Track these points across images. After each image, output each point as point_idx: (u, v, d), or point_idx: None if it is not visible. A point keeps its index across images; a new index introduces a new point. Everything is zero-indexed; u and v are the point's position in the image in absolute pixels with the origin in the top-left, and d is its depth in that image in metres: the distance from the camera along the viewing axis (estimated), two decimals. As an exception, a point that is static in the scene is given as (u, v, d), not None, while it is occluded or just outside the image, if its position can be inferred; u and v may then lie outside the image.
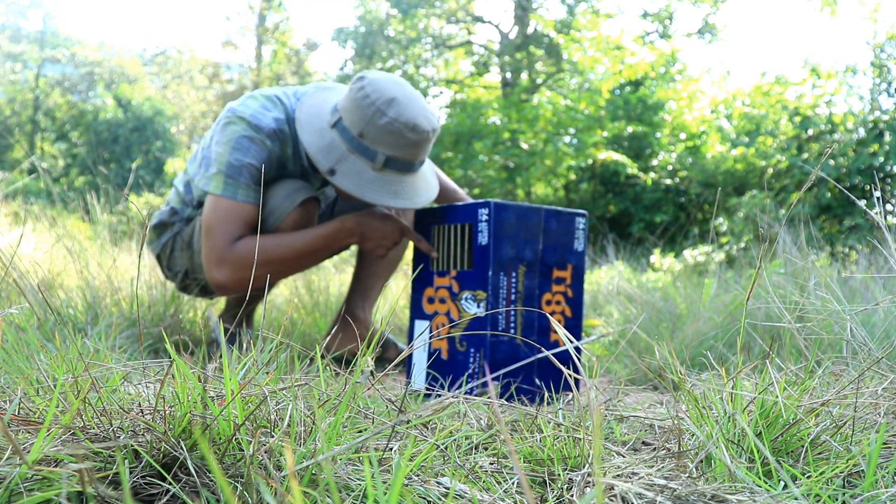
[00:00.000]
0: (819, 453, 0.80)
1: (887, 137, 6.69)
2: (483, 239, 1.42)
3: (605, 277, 4.26)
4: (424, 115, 1.51)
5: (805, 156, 7.37)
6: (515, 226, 1.42)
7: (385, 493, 0.62)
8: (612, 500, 0.68)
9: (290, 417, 0.72)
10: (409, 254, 1.93)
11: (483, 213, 1.42)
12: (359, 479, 0.69)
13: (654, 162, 10.37)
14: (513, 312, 1.42)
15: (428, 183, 1.62)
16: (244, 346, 0.95)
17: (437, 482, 0.72)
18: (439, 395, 1.15)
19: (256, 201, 1.58)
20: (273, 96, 1.65)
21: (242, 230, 1.57)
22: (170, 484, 0.65)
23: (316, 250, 1.60)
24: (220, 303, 2.21)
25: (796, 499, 0.66)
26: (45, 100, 13.43)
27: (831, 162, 6.74)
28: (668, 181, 9.95)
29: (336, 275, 3.60)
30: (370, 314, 1.95)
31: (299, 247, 1.57)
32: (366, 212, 1.62)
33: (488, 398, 1.03)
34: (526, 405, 1.12)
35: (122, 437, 0.68)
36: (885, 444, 0.84)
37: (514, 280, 1.42)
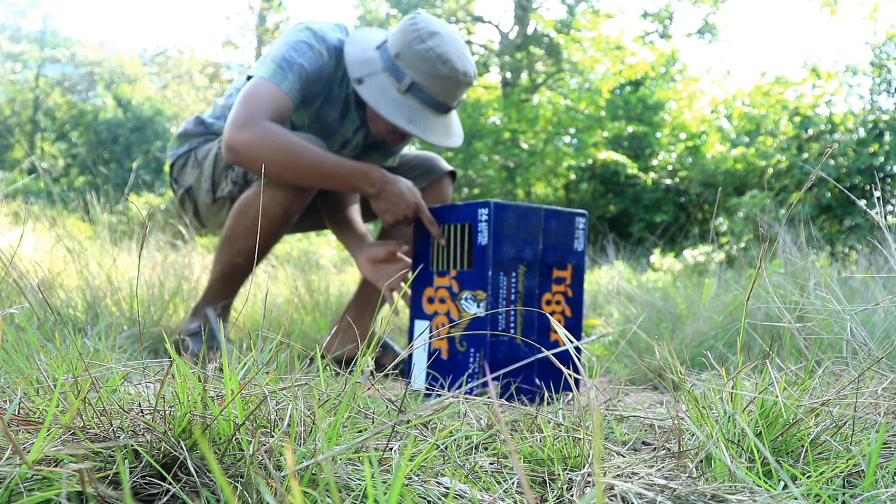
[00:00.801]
0: (819, 453, 0.80)
1: (887, 137, 6.69)
2: (483, 239, 1.42)
3: (605, 277, 4.26)
4: (460, 57, 1.57)
5: (805, 156, 7.38)
6: (515, 226, 1.42)
7: (385, 493, 0.62)
8: (612, 500, 0.68)
9: (290, 417, 0.72)
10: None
11: (483, 213, 1.42)
12: (359, 479, 0.69)
13: (654, 162, 10.38)
14: (513, 312, 1.42)
15: (449, 130, 1.65)
16: (217, 342, 0.94)
17: (437, 482, 0.72)
18: (439, 395, 1.15)
19: (296, 100, 1.59)
20: (340, 25, 1.72)
21: (276, 112, 1.55)
22: (170, 484, 0.65)
23: (332, 174, 1.57)
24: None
25: (796, 499, 0.66)
26: (45, 100, 13.43)
27: (831, 162, 6.74)
28: (668, 181, 9.95)
29: (336, 275, 3.61)
30: (369, 320, 1.95)
31: (320, 160, 1.55)
32: (395, 176, 1.62)
33: (488, 398, 1.03)
34: (526, 405, 1.12)
35: (122, 437, 0.68)
36: (885, 444, 0.84)
37: (513, 280, 1.42)
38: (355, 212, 1.82)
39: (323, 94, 1.71)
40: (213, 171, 1.77)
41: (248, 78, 1.66)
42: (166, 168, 1.91)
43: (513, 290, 1.42)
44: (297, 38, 1.61)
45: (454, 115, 1.71)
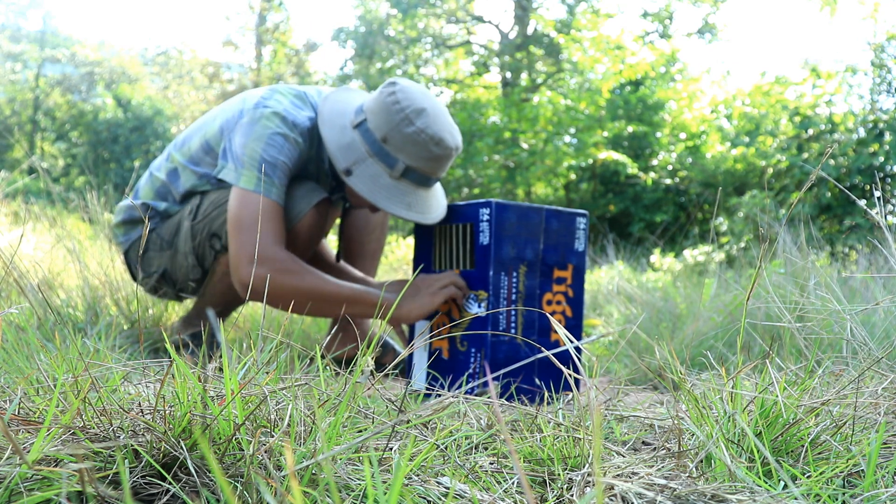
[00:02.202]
0: (819, 453, 0.80)
1: (887, 137, 6.69)
2: (484, 239, 1.42)
3: (605, 277, 4.26)
4: (450, 132, 1.50)
5: (805, 156, 7.38)
6: (516, 225, 1.42)
7: (385, 493, 0.62)
8: (612, 500, 0.68)
9: (290, 417, 0.72)
10: (409, 254, 1.92)
11: (484, 213, 1.42)
12: (359, 479, 0.69)
13: (654, 162, 10.38)
14: (514, 312, 1.42)
15: (439, 201, 1.59)
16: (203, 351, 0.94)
17: (437, 482, 0.72)
18: (439, 395, 1.15)
19: (284, 204, 1.53)
20: (302, 93, 1.61)
21: (279, 231, 1.50)
22: (170, 484, 0.65)
23: (343, 305, 1.51)
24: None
25: (796, 499, 0.66)
26: (45, 100, 13.42)
27: (831, 162, 6.74)
28: (668, 181, 9.95)
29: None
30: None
31: (333, 295, 1.49)
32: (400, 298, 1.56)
33: (488, 398, 1.03)
34: (526, 405, 1.12)
35: (122, 437, 0.68)
36: (884, 443, 0.84)
37: (514, 280, 1.42)
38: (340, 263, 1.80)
39: (299, 173, 1.63)
40: (193, 244, 1.65)
41: (218, 180, 1.57)
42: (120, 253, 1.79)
43: (514, 290, 1.42)
44: (270, 131, 1.51)
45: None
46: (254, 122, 1.52)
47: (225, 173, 1.53)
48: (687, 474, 0.75)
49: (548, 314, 1.18)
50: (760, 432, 0.79)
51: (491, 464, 0.83)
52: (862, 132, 7.08)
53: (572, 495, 0.72)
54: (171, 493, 0.65)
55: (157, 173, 1.73)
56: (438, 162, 1.50)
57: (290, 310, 1.50)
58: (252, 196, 1.48)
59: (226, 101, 1.70)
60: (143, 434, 0.69)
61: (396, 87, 1.48)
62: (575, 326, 1.50)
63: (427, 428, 0.93)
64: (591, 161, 9.93)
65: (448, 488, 0.70)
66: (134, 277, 1.82)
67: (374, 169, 1.49)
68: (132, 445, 0.66)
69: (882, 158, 6.58)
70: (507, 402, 0.92)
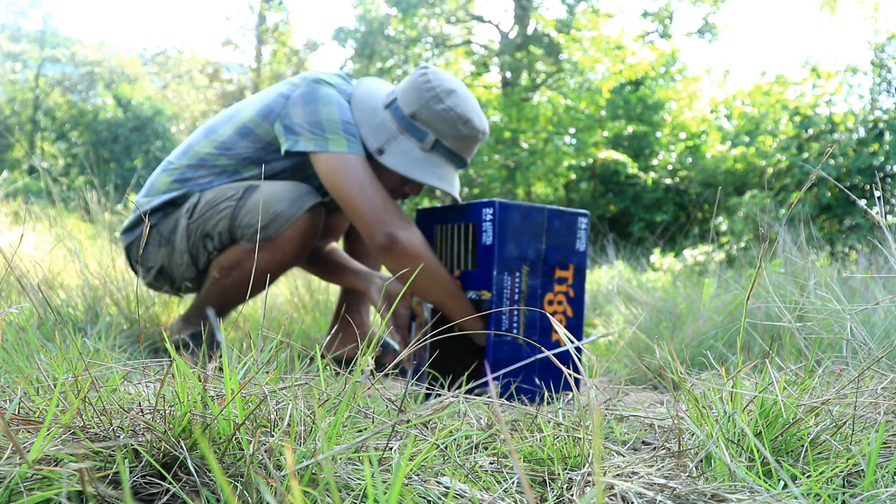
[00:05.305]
0: (819, 453, 0.80)
1: (887, 137, 6.69)
2: (487, 238, 1.42)
3: (605, 277, 4.26)
4: (478, 115, 1.55)
5: (805, 155, 7.37)
6: (519, 225, 1.43)
7: (385, 493, 0.62)
8: (612, 500, 0.68)
9: (290, 417, 0.72)
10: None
11: (488, 213, 1.42)
12: (359, 479, 0.69)
13: (654, 161, 10.38)
14: (516, 312, 1.42)
15: (458, 183, 1.62)
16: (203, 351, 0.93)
17: (437, 482, 0.72)
18: (439, 395, 1.15)
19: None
20: (343, 74, 1.65)
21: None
22: (170, 483, 0.65)
23: (445, 298, 1.48)
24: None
25: (796, 498, 0.66)
26: (45, 99, 13.42)
27: (831, 161, 6.74)
28: (668, 181, 9.96)
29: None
30: (367, 315, 1.95)
31: (447, 285, 1.47)
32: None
33: (488, 398, 1.03)
34: (526, 405, 1.12)
35: (122, 437, 0.68)
36: (884, 443, 0.84)
37: (517, 280, 1.42)
38: (341, 253, 1.79)
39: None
40: (188, 244, 1.63)
41: (286, 153, 1.55)
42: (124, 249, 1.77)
43: (517, 290, 1.42)
44: (336, 97, 1.53)
45: None
46: (314, 90, 1.53)
47: (303, 145, 1.51)
48: (687, 474, 0.75)
49: (548, 314, 1.18)
50: (760, 432, 0.79)
51: (491, 463, 0.83)
52: (862, 132, 7.08)
53: (572, 495, 0.72)
54: (171, 492, 0.65)
55: (178, 161, 1.70)
56: (465, 142, 1.54)
57: (416, 284, 1.47)
58: (351, 157, 1.49)
59: (234, 102, 1.70)
60: (143, 434, 0.69)
61: (428, 70, 1.54)
62: (576, 326, 1.50)
63: (427, 428, 0.93)
64: (591, 161, 9.93)
65: (448, 488, 0.70)
66: (135, 271, 1.82)
67: (405, 144, 1.53)
68: (132, 445, 0.66)
69: (882, 158, 6.58)
70: (507, 402, 0.92)
